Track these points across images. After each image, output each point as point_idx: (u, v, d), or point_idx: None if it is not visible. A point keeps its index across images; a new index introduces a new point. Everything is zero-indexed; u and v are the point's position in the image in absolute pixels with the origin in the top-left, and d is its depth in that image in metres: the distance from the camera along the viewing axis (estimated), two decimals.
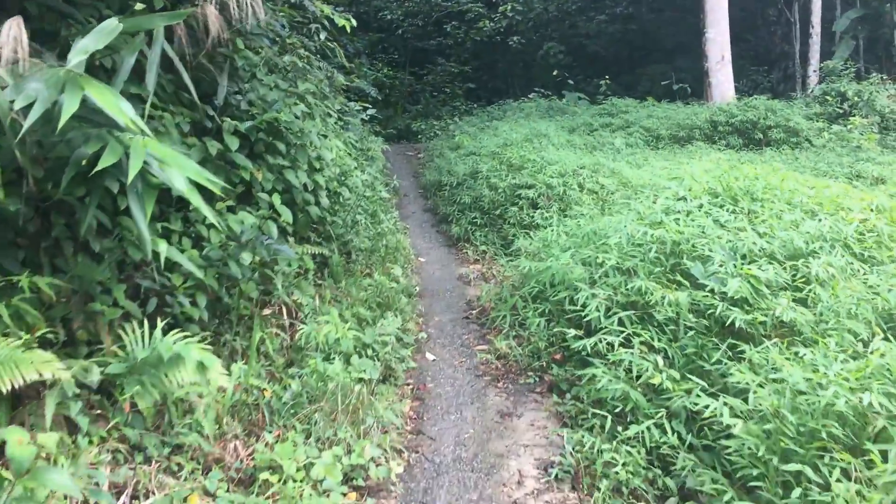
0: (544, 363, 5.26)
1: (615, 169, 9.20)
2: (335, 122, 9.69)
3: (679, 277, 4.65)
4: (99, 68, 4.56)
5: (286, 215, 6.03)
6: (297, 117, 7.30)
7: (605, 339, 4.43)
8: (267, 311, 5.82)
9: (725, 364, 3.77)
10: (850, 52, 17.89)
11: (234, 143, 5.52)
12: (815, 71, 17.62)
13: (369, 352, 5.22)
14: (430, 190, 12.24)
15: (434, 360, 5.74)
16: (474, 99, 24.63)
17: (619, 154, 11.22)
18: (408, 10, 25.17)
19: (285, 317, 5.81)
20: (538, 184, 8.86)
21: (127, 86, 4.86)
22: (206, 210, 3.67)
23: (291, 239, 6.87)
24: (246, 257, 5.34)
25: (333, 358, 5.01)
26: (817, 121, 12.46)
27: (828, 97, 13.13)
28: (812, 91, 17.33)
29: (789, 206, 5.24)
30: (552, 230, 6.72)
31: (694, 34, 25.29)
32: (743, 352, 3.78)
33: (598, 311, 4.59)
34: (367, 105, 11.94)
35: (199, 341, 5.11)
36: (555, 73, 19.96)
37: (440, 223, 10.52)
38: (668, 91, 20.14)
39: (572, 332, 4.65)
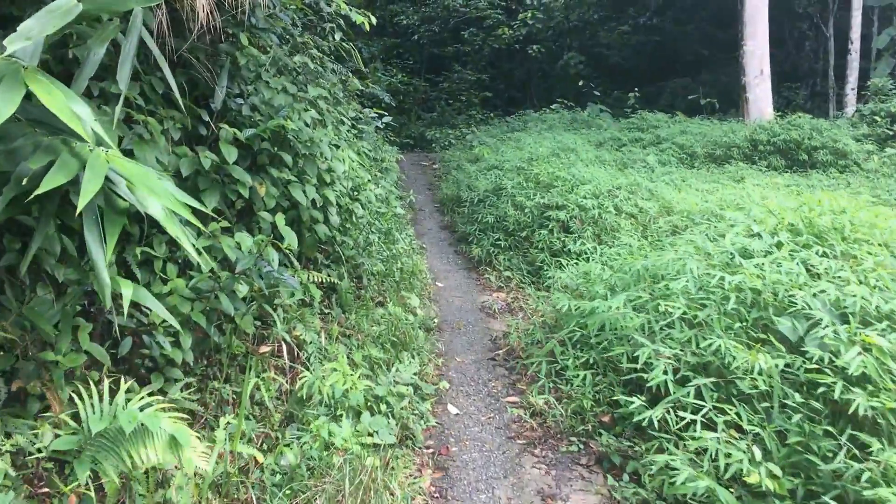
0: (590, 426, 4.41)
1: (654, 190, 8.36)
2: (348, 131, 8.89)
3: (765, 335, 3.81)
4: (73, 61, 3.78)
5: (290, 238, 5.21)
6: (306, 125, 6.53)
7: (676, 411, 3.60)
8: (265, 349, 5.01)
9: (846, 465, 2.92)
10: (890, 70, 17.02)
11: (231, 154, 4.71)
12: (852, 89, 16.74)
13: (383, 407, 4.39)
14: (447, 205, 11.42)
15: (457, 414, 4.89)
16: (490, 108, 23.89)
17: (653, 173, 10.38)
18: (424, 16, 24.40)
19: (285, 356, 4.99)
20: (570, 205, 8.04)
21: (109, 84, 4.10)
22: (186, 244, 2.86)
23: (297, 262, 6.08)
24: (241, 289, 4.55)
25: (340, 415, 4.19)
26: (865, 142, 11.60)
27: (876, 118, 12.26)
28: (848, 110, 16.48)
29: (887, 249, 4.39)
30: (595, 263, 5.87)
31: (719, 48, 24.58)
32: (870, 449, 2.93)
33: (666, 374, 3.75)
34: (382, 112, 11.13)
35: (183, 389, 4.32)
36: (580, 83, 19.14)
37: (459, 243, 9.70)
38: (694, 106, 19.32)
39: (635, 401, 3.79)
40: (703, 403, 3.50)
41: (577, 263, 6.91)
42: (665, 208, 7.70)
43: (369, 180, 8.79)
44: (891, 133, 11.78)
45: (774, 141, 11.39)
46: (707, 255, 4.64)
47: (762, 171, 10.65)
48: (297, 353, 5.16)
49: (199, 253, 3.42)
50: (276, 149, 5.48)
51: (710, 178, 9.93)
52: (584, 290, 5.68)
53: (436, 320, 6.70)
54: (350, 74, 9.58)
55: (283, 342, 5.09)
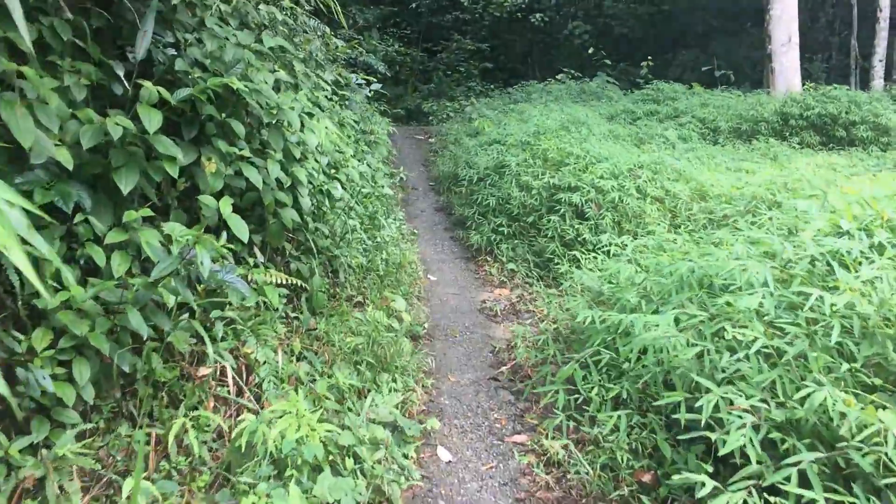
0: (626, 490, 3.30)
1: (681, 170, 7.20)
2: (329, 98, 7.72)
3: (883, 381, 2.70)
4: None
5: (238, 229, 4.07)
6: (273, 87, 5.42)
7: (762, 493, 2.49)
8: (205, 372, 3.90)
9: None
10: None
11: (152, 120, 3.53)
12: (880, 61, 15.52)
13: (349, 462, 3.27)
14: (443, 183, 10.25)
15: (450, 462, 3.78)
16: (490, 80, 22.67)
17: (675, 149, 9.23)
18: None
19: (230, 382, 3.89)
20: (584, 186, 6.89)
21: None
22: (19, 261, 1.72)
23: (260, 255, 5.00)
24: (168, 298, 3.45)
25: (291, 475, 3.08)
26: None
27: None
28: (876, 84, 15.28)
29: None
30: (622, 260, 4.73)
31: (729, 18, 23.32)
32: None
33: (748, 439, 2.63)
34: (370, 78, 9.93)
35: (83, 437, 3.25)
36: (590, 50, 17.83)
37: (455, 227, 8.56)
38: (707, 78, 18.12)
39: (699, 477, 2.66)
40: (805, 493, 2.38)
41: (595, 257, 5.78)
42: (697, 192, 6.55)
43: (353, 155, 7.64)
44: None
45: (807, 115, 10.21)
46: (772, 256, 3.50)
47: (795, 149, 9.49)
48: (248, 375, 4.07)
49: (119, 237, 2.29)
50: (223, 115, 4.33)
51: (739, 156, 8.77)
52: (609, 295, 4.55)
53: (426, 325, 5.58)
54: (332, 34, 8.38)
55: (229, 364, 4.00)
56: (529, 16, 22.49)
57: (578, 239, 6.46)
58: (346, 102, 9.43)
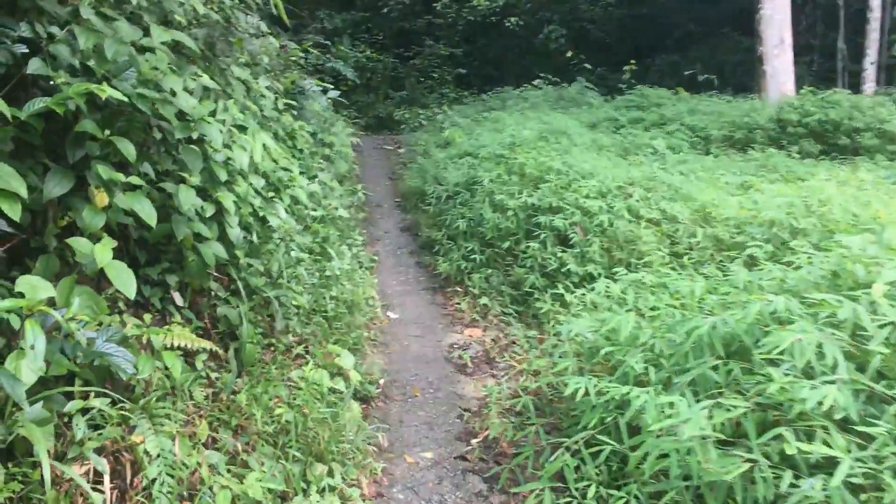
0: None
1: (678, 187, 6.29)
2: (277, 108, 6.73)
3: None
4: None
5: (121, 280, 3.08)
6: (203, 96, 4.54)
7: None
8: (78, 470, 2.91)
9: None
10: None
11: None
12: (872, 63, 14.78)
13: None
14: (409, 200, 9.28)
15: None
16: (465, 86, 21.77)
17: (665, 161, 8.34)
18: None
19: (106, 487, 2.90)
20: (567, 206, 5.96)
21: None
22: None
23: (178, 299, 4.08)
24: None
25: None
26: None
27: None
28: (867, 88, 14.54)
29: None
30: (621, 312, 3.77)
31: (709, 23, 22.65)
32: None
33: None
34: (326, 85, 8.95)
35: None
36: (569, 54, 16.95)
37: (422, 251, 7.59)
38: (690, 82, 17.34)
39: None
40: None
41: (583, 295, 4.84)
42: (699, 214, 5.63)
43: (302, 173, 6.66)
44: None
45: (807, 122, 9.37)
46: (848, 324, 2.57)
47: (794, 159, 8.63)
48: (133, 477, 3.08)
49: None
50: (106, 133, 3.36)
51: (737, 169, 7.88)
52: (604, 350, 3.61)
53: (381, 381, 4.60)
54: (278, 34, 7.40)
55: (113, 457, 3.03)
56: (504, 20, 21.65)
57: (562, 270, 5.52)
58: (302, 112, 8.45)
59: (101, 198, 3.34)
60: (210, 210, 4.39)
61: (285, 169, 5.86)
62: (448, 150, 9.46)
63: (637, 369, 3.19)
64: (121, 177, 3.36)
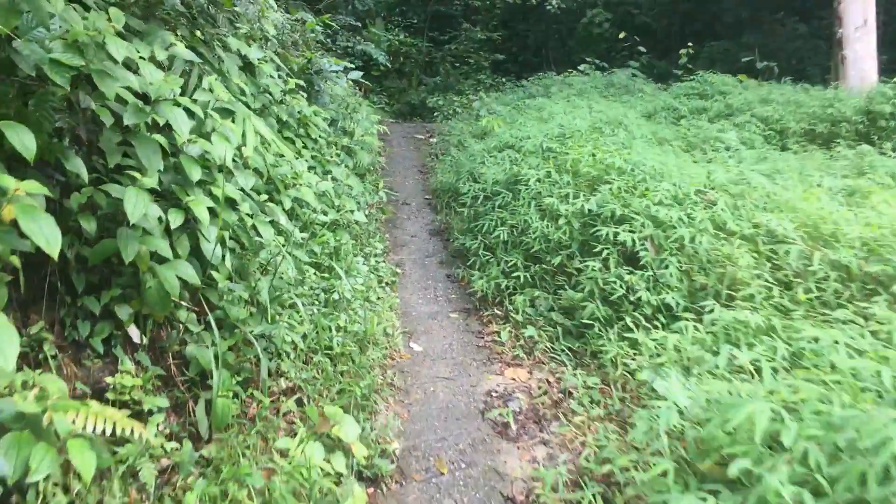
0: None
1: (772, 193, 5.07)
2: (286, 89, 5.65)
3: None
4: None
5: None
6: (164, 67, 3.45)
7: None
8: None
9: None
10: None
11: None
12: None
13: None
14: (441, 198, 8.14)
15: None
16: (502, 73, 20.56)
17: (738, 156, 7.10)
18: None
19: None
20: (635, 216, 4.80)
21: None
22: None
23: (136, 334, 3.08)
24: None
25: None
26: None
27: None
28: None
29: None
30: (759, 405, 2.61)
31: (760, 8, 21.12)
32: None
33: None
34: (347, 64, 7.82)
35: None
36: (621, 35, 15.62)
37: (454, 260, 6.46)
38: (746, 70, 15.93)
39: None
40: None
41: (663, 338, 3.69)
42: (805, 230, 4.42)
43: (312, 168, 5.58)
44: None
45: None
46: None
47: (892, 157, 7.31)
48: None
49: None
50: None
51: (828, 169, 6.61)
52: (724, 450, 2.46)
53: (395, 450, 3.49)
54: (301, 7, 6.30)
55: None
56: (545, 3, 20.34)
57: (630, 298, 4.36)
58: (318, 96, 7.35)
59: (6, 212, 2.31)
60: (177, 219, 3.33)
61: (285, 162, 4.79)
62: (486, 141, 8.30)
63: (785, 497, 2.04)
64: (9, 182, 2.30)
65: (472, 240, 6.03)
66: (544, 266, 5.22)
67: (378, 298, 5.10)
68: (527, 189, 5.80)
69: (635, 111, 9.13)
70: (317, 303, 4.39)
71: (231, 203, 3.76)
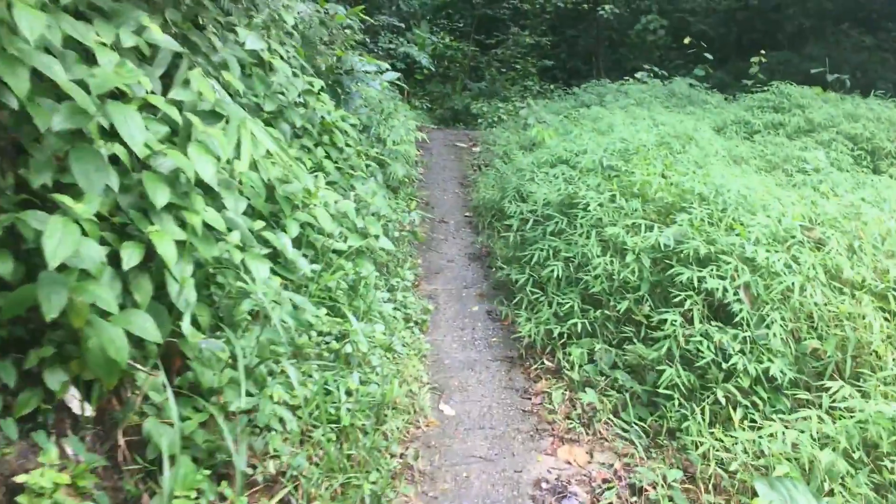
0: None
1: (892, 230, 4.09)
2: (301, 89, 4.81)
3: None
4: None
5: None
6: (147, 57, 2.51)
7: None
8: None
9: None
10: None
11: None
12: None
13: None
14: (483, 216, 7.25)
15: None
16: (550, 79, 19.66)
17: (831, 179, 6.09)
18: None
19: None
20: (726, 256, 3.85)
21: None
22: None
23: (73, 404, 2.17)
24: None
25: None
26: None
27: None
28: None
29: None
30: None
31: (823, 18, 19.88)
32: None
33: None
34: (381, 63, 6.98)
35: None
36: (686, 40, 14.56)
37: (496, 293, 5.55)
38: (814, 82, 14.77)
39: None
40: None
41: (768, 436, 2.75)
42: None
43: (332, 183, 4.74)
44: None
45: None
46: None
47: None
48: None
49: None
50: None
51: None
52: None
53: None
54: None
55: None
56: (598, 8, 19.38)
57: (723, 365, 3.42)
58: (349, 98, 6.52)
59: None
60: (134, 256, 2.51)
61: (284, 181, 3.97)
62: (535, 153, 7.38)
63: None
64: None
65: (518, 271, 5.12)
66: (606, 311, 4.29)
67: (404, 345, 4.22)
68: (585, 215, 4.88)
69: (704, 124, 8.12)
70: (325, 355, 3.53)
71: (214, 232, 2.92)
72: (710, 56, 14.19)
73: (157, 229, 2.58)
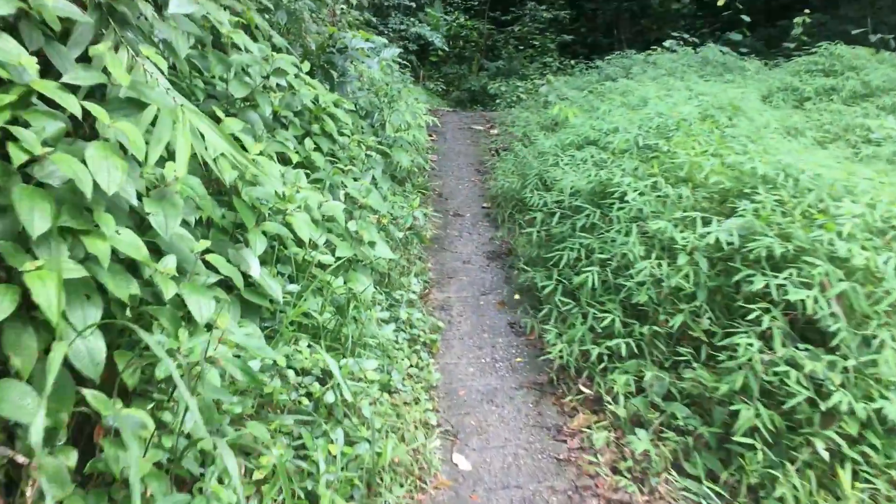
0: None
1: None
2: (267, 71, 4.03)
3: None
4: None
5: None
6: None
7: None
8: None
9: None
10: None
11: None
12: None
13: None
14: (503, 207, 6.44)
15: None
16: (569, 55, 18.75)
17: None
18: None
19: None
20: (808, 256, 3.03)
21: None
22: None
23: None
24: None
25: None
26: None
27: None
28: None
29: None
30: None
31: None
32: None
33: None
34: (379, 38, 6.18)
35: None
36: (720, 2, 13.55)
37: (519, 300, 4.77)
38: (858, 44, 13.76)
39: None
40: None
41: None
42: None
43: (317, 181, 3.97)
44: None
45: None
46: None
47: None
48: None
49: None
50: None
51: None
52: None
53: None
54: None
55: None
56: None
57: (817, 400, 2.61)
58: (343, 83, 5.72)
59: None
60: (6, 306, 1.74)
61: (270, 178, 3.21)
62: (558, 134, 6.54)
63: None
64: None
65: (544, 276, 4.32)
66: (655, 327, 3.48)
67: (405, 379, 3.45)
68: (623, 206, 4.06)
69: (751, 93, 7.21)
70: (304, 403, 2.77)
71: (127, 265, 2.17)
72: (747, 18, 13.12)
73: (40, 265, 1.83)
